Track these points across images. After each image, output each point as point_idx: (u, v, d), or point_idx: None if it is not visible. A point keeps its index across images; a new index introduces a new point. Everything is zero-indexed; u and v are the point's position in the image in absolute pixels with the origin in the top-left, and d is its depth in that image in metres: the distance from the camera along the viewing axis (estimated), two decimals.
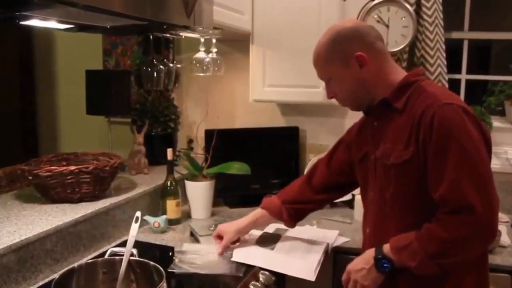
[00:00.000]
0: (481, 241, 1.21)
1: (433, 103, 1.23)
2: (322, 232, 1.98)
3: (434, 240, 1.21)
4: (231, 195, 2.47)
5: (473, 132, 1.20)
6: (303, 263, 1.64)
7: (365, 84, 1.36)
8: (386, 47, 1.41)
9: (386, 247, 1.31)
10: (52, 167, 1.76)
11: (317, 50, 1.40)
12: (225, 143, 2.33)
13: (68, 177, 1.75)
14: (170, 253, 1.77)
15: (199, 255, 1.70)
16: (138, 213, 1.46)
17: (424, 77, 1.37)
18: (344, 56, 1.34)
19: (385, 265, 1.30)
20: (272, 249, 1.74)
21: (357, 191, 2.33)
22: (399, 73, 1.37)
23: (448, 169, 1.19)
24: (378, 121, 1.41)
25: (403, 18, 2.18)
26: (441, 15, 2.22)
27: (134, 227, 1.43)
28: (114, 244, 1.84)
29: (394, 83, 1.34)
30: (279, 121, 2.64)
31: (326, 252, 1.75)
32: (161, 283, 1.27)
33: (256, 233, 1.89)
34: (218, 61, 2.34)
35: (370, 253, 1.35)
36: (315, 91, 2.25)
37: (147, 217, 1.99)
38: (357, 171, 1.53)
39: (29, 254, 1.47)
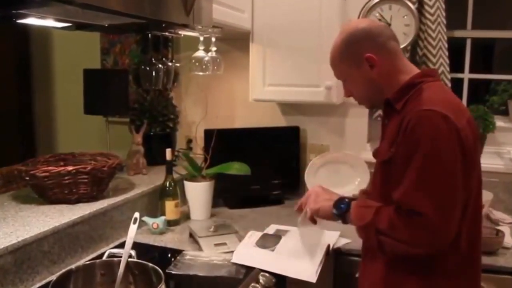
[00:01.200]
0: (425, 243, 1.23)
1: (415, 108, 1.25)
2: (323, 233, 1.97)
3: (387, 220, 1.25)
4: (231, 195, 2.47)
5: (445, 142, 1.20)
6: (304, 265, 1.64)
7: (377, 84, 1.38)
8: (399, 46, 1.42)
9: (354, 201, 1.41)
10: (50, 168, 1.76)
11: (332, 51, 1.44)
12: (224, 143, 2.33)
13: (66, 178, 1.75)
14: (169, 255, 1.78)
15: (199, 257, 1.71)
16: (137, 214, 1.46)
17: (431, 78, 1.37)
18: (355, 57, 1.37)
19: (342, 206, 1.41)
20: (273, 250, 1.74)
21: (358, 192, 2.34)
22: (411, 73, 1.38)
23: (408, 175, 1.22)
24: (387, 119, 1.44)
25: (405, 17, 2.18)
26: (444, 13, 2.23)
27: (133, 228, 1.43)
28: (112, 245, 1.84)
29: (402, 83, 1.36)
30: (279, 120, 2.64)
31: (327, 254, 1.75)
32: (160, 285, 1.27)
33: (256, 234, 1.89)
34: (218, 60, 2.34)
35: (335, 195, 1.48)
36: (316, 90, 2.25)
37: (145, 218, 1.99)
38: None
39: (26, 255, 1.47)
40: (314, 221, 1.56)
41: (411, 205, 1.21)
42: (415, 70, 1.40)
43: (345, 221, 1.42)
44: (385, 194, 1.32)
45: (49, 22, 1.57)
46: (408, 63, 1.43)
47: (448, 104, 1.27)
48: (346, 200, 1.42)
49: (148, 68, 2.21)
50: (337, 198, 1.44)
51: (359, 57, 1.36)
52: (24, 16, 1.42)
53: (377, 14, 2.21)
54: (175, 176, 2.17)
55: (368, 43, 1.36)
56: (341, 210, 1.40)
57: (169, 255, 1.78)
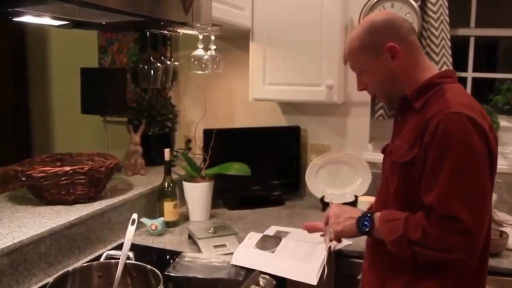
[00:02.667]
0: (462, 249, 1.23)
1: (442, 110, 1.25)
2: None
3: (419, 229, 1.24)
4: (230, 196, 2.47)
5: (476, 144, 1.22)
6: (304, 267, 1.64)
7: (395, 77, 1.37)
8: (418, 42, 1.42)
9: (377, 214, 1.38)
10: (46, 168, 1.76)
11: (351, 41, 1.42)
12: (224, 143, 2.33)
13: (63, 178, 1.75)
14: (168, 256, 1.78)
15: (198, 259, 1.71)
16: (135, 215, 1.46)
17: (451, 79, 1.38)
18: (376, 47, 1.36)
19: (365, 223, 1.39)
20: (273, 252, 1.74)
21: (360, 193, 2.34)
22: (429, 71, 1.38)
23: (440, 180, 1.22)
24: (401, 116, 1.44)
25: (408, 15, 2.18)
26: (447, 11, 2.22)
27: (131, 229, 1.43)
28: (109, 247, 1.84)
29: (421, 81, 1.36)
30: (279, 120, 2.64)
31: (328, 255, 1.75)
32: (158, 287, 1.27)
33: (256, 235, 1.89)
34: (217, 59, 2.34)
35: (357, 211, 1.46)
36: (317, 89, 2.25)
37: (143, 220, 1.99)
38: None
39: (22, 257, 1.47)
40: (339, 241, 1.56)
41: (447, 209, 1.20)
42: (433, 69, 1.41)
43: (371, 236, 1.42)
44: (404, 194, 1.33)
45: (46, 20, 1.57)
46: (427, 60, 1.43)
47: (473, 107, 1.28)
48: (368, 215, 1.39)
49: (146, 67, 2.21)
50: (358, 215, 1.42)
51: (380, 46, 1.35)
52: (21, 14, 1.42)
53: (378, 11, 2.21)
54: (174, 176, 2.17)
55: (391, 33, 1.35)
56: (365, 227, 1.38)
57: (168, 257, 1.78)
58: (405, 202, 1.33)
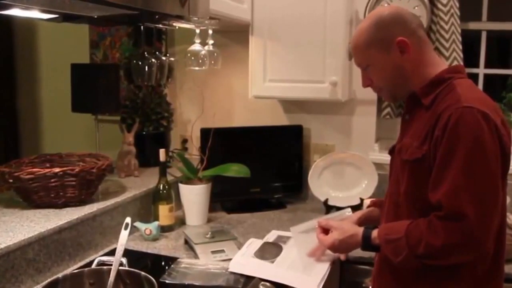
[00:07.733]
0: (468, 250, 1.26)
1: (453, 104, 1.26)
2: None
3: (422, 244, 1.27)
4: (229, 199, 2.47)
5: (488, 140, 1.23)
6: (305, 276, 1.63)
7: (404, 73, 1.40)
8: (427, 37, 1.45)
9: (374, 234, 1.41)
10: (35, 169, 1.76)
11: (358, 34, 1.44)
12: (222, 143, 2.33)
13: (52, 180, 1.75)
14: (163, 263, 1.78)
15: (195, 265, 1.71)
16: (128, 219, 1.46)
17: (461, 74, 1.40)
18: (385, 41, 1.38)
19: (369, 248, 1.45)
20: (272, 262, 1.72)
21: (365, 195, 2.34)
22: (438, 67, 1.40)
23: (450, 174, 1.24)
24: (409, 114, 1.46)
25: (416, 8, 2.18)
26: (457, 4, 2.22)
27: (124, 234, 1.43)
28: (101, 252, 1.84)
29: (429, 77, 1.38)
30: (281, 119, 2.64)
31: (333, 263, 1.74)
32: None
33: (256, 243, 1.88)
34: (215, 54, 2.34)
35: (357, 238, 1.46)
36: (320, 86, 2.25)
37: (137, 224, 1.99)
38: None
39: (9, 263, 1.47)
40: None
41: (454, 206, 1.22)
42: (442, 64, 1.43)
43: None
44: (415, 193, 1.35)
45: (34, 13, 1.58)
46: (435, 55, 1.46)
47: (485, 102, 1.30)
48: (369, 244, 1.43)
49: (140, 63, 2.21)
50: (359, 242, 1.45)
51: (389, 41, 1.37)
52: (7, 6, 1.42)
53: (386, 5, 2.21)
54: (169, 178, 2.17)
55: (400, 28, 1.37)
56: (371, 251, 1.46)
57: (163, 263, 1.78)
58: (416, 202, 1.35)
